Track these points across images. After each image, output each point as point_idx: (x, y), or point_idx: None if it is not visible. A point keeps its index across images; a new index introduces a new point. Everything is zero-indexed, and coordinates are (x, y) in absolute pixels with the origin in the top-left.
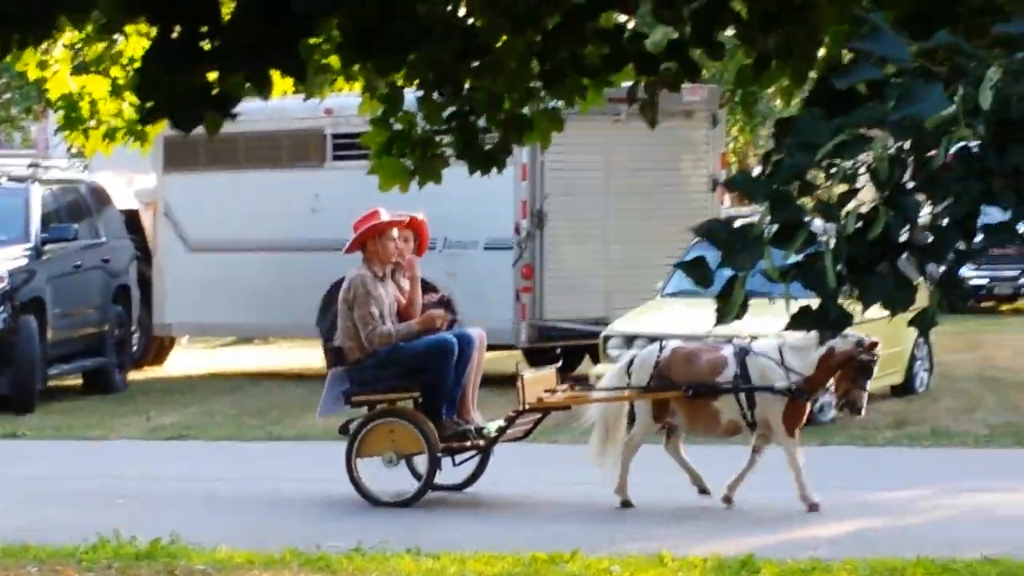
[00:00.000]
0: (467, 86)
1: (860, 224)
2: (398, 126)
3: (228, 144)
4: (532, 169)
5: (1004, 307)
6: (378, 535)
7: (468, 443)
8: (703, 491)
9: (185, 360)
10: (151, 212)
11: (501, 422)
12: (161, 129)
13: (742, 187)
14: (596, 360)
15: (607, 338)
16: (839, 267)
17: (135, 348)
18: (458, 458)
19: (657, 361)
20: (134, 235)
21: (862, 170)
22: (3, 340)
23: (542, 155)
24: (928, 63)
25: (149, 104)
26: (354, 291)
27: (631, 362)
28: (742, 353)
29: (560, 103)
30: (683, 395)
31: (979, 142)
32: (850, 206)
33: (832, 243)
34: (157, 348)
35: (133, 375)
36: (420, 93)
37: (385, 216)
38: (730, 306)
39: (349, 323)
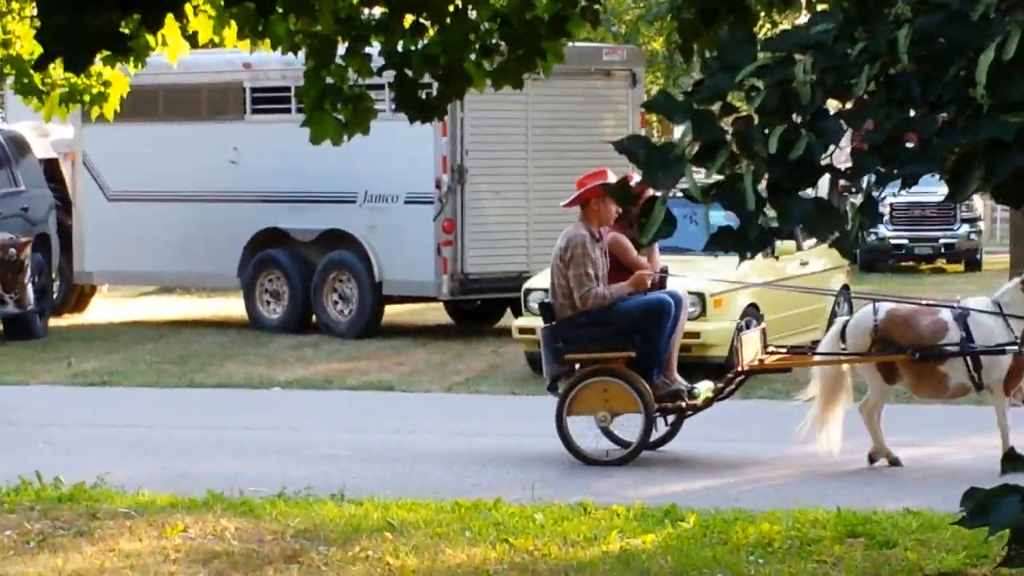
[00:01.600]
0: (400, 47)
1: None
2: (330, 80)
3: (147, 96)
4: (452, 125)
5: (924, 266)
6: (302, 481)
7: (682, 403)
8: (893, 462)
9: (106, 308)
10: (70, 162)
11: (712, 383)
12: (123, 92)
13: (662, 107)
14: (517, 313)
15: (528, 291)
16: (759, 189)
17: (55, 296)
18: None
19: (875, 324)
20: (53, 184)
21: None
22: None
23: (462, 112)
24: None
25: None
26: (571, 250)
27: (844, 326)
28: (963, 315)
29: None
30: (908, 358)
31: (901, 70)
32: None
33: (752, 164)
34: (78, 296)
35: (54, 322)
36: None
37: (612, 178)
38: (651, 224)
39: (563, 281)
